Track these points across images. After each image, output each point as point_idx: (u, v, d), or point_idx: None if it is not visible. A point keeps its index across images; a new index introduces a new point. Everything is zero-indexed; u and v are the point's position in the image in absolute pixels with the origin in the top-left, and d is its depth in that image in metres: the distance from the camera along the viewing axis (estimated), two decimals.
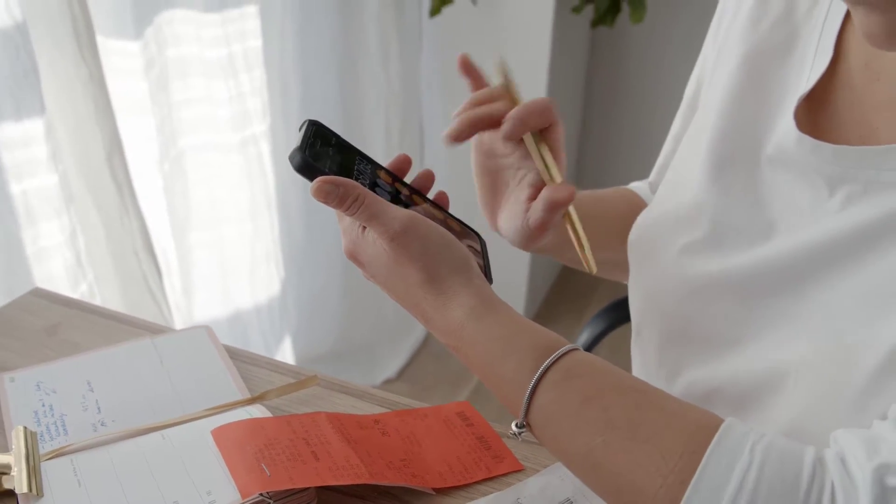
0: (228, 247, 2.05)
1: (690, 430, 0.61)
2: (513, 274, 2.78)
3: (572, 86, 2.88)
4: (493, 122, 0.78)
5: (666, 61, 2.82)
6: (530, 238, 0.80)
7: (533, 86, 2.44)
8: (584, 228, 0.81)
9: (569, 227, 0.81)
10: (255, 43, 1.92)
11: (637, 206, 0.99)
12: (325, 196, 0.69)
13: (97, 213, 1.53)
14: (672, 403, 0.65)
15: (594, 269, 0.80)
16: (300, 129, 0.74)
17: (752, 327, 0.76)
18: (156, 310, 1.68)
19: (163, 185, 1.76)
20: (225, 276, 2.07)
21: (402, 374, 2.72)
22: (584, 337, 1.37)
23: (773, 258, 0.75)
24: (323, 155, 0.73)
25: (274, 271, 2.21)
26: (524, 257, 2.73)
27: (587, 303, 3.07)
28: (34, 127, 1.34)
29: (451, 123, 0.78)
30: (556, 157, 0.78)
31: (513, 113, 0.77)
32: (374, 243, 0.72)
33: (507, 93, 0.81)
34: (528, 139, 0.78)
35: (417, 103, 2.59)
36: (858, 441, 0.59)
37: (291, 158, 0.71)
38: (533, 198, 0.79)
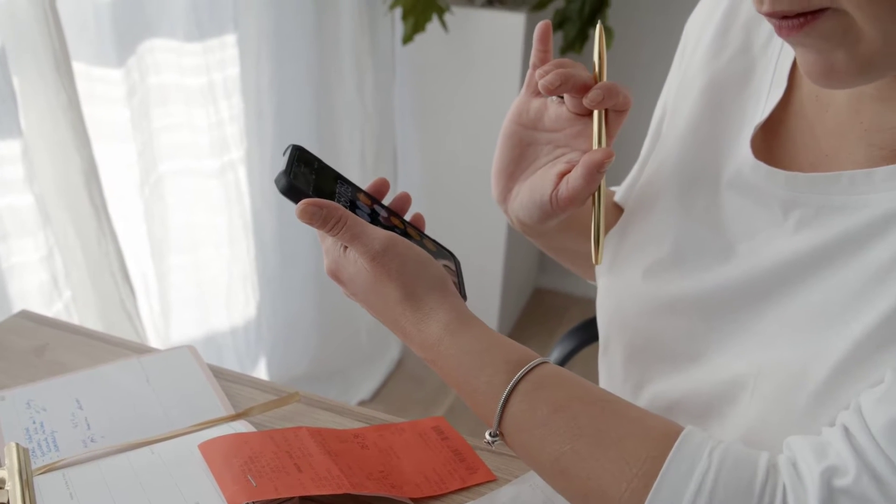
0: (205, 270, 2.07)
1: (653, 437, 0.65)
2: (486, 293, 2.80)
3: None
4: (578, 87, 0.78)
5: (632, 87, 2.86)
6: (550, 212, 0.81)
7: (504, 110, 2.46)
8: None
9: (594, 209, 0.81)
10: (234, 71, 1.95)
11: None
12: (310, 217, 0.73)
13: (76, 236, 1.55)
14: (636, 412, 0.69)
15: (600, 260, 0.81)
16: (284, 154, 0.77)
17: (712, 343, 0.80)
18: (131, 330, 1.70)
19: (143, 209, 1.78)
20: (202, 298, 2.08)
21: (376, 395, 2.73)
22: (556, 355, 1.39)
23: (733, 278, 0.78)
24: (306, 178, 0.76)
25: (250, 294, 2.23)
26: (497, 277, 2.77)
27: (558, 322, 3.11)
28: (11, 150, 1.37)
29: (546, 77, 0.77)
30: (608, 140, 0.80)
31: (609, 83, 0.78)
32: (355, 262, 0.75)
33: (598, 65, 0.81)
34: (597, 113, 0.79)
35: (391, 129, 2.63)
36: (809, 446, 0.63)
37: (277, 182, 0.74)
38: (567, 173, 0.80)
